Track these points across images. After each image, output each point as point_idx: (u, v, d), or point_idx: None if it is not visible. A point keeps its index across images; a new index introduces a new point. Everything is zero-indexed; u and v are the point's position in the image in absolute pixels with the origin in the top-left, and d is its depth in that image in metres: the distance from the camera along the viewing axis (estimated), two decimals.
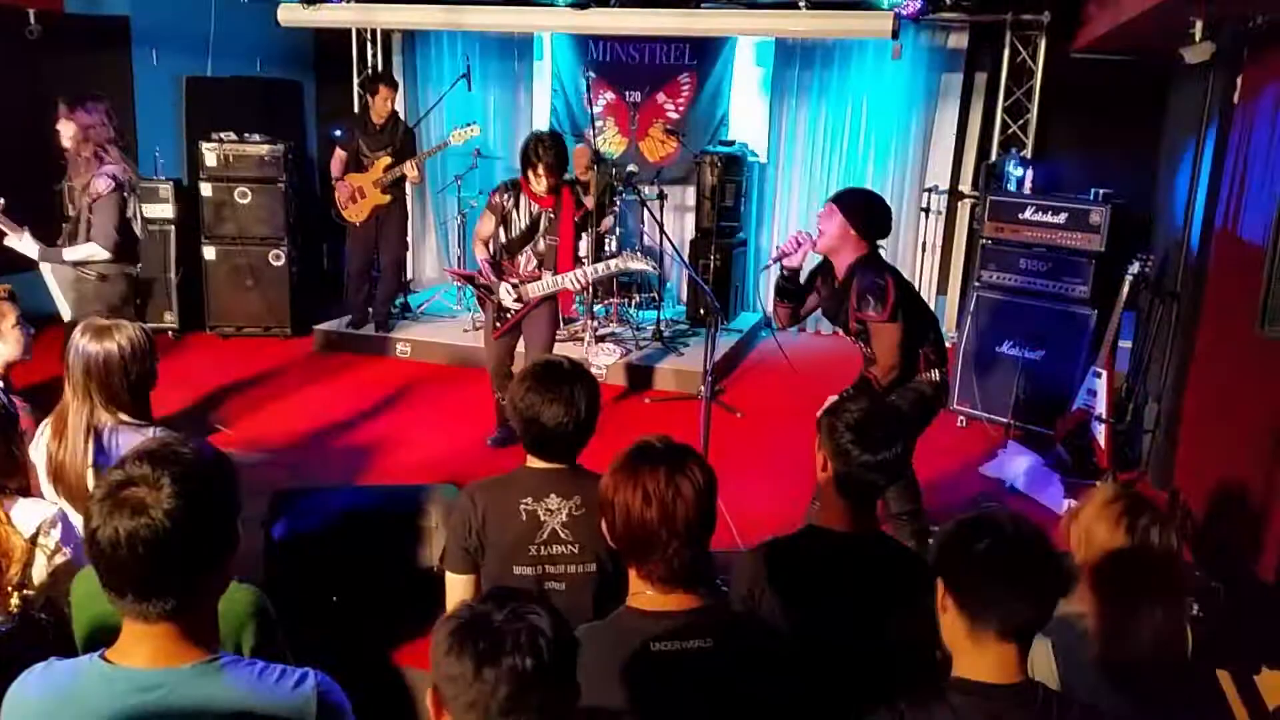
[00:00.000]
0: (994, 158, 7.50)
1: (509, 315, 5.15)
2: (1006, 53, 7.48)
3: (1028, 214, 5.99)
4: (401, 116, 7.54)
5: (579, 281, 5.10)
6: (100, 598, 1.58)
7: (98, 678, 1.54)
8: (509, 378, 5.26)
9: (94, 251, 4.70)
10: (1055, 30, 7.23)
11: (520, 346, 5.36)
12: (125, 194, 4.74)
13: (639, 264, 5.23)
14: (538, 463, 2.50)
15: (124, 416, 2.66)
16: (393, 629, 3.65)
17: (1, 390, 2.42)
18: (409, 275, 8.07)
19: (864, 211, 3.98)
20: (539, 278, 5.10)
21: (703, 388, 6.39)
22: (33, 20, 7.13)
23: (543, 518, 2.43)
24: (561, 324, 5.36)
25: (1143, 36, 5.48)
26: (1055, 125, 7.47)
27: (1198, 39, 4.62)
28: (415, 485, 4.34)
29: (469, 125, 6.89)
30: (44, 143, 7.15)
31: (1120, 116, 6.89)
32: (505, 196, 5.08)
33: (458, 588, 2.60)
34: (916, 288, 7.84)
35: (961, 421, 6.12)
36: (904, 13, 6.52)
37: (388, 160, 7.00)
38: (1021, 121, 7.53)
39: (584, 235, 5.15)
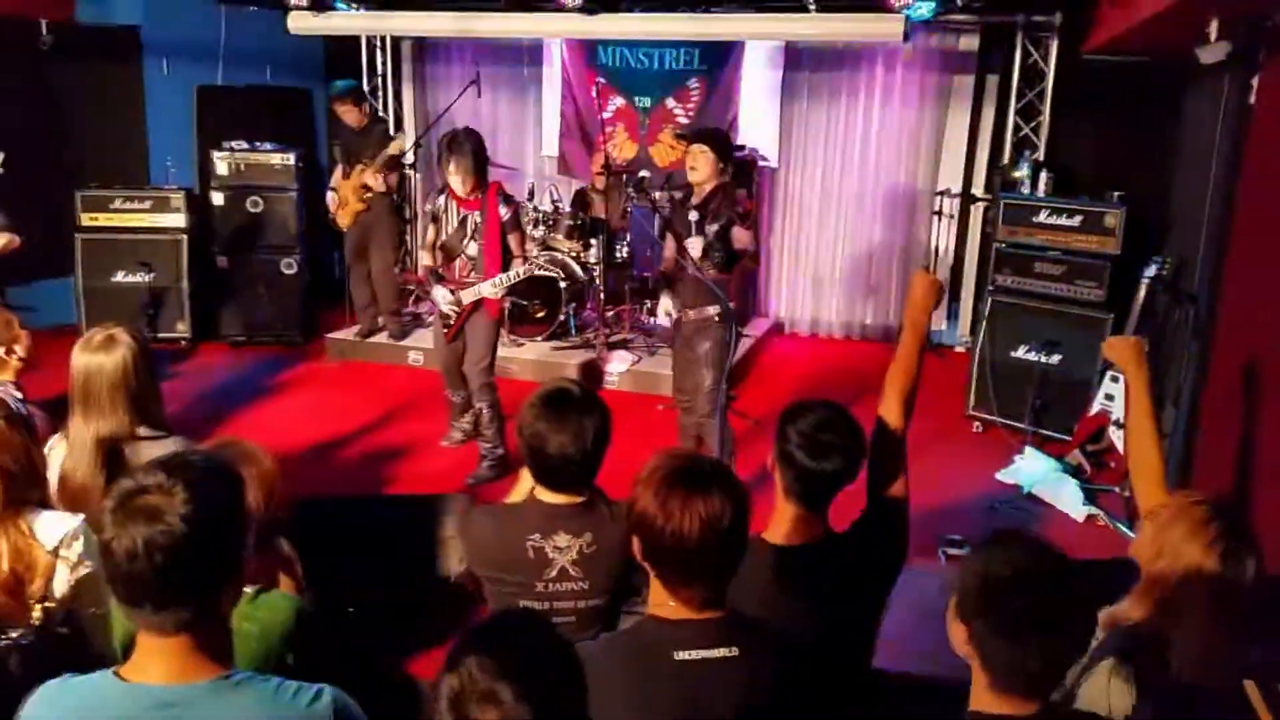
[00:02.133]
0: (1006, 160, 7.47)
1: (451, 322, 5.13)
2: (1018, 54, 7.45)
3: (1042, 217, 5.97)
4: (383, 121, 7.51)
5: (494, 287, 5.00)
6: None
7: (113, 695, 1.53)
8: (458, 376, 5.28)
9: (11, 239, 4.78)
10: (1067, 32, 7.19)
11: None
12: None
13: (544, 272, 5.20)
14: (547, 495, 2.41)
15: (141, 430, 2.66)
16: (409, 639, 3.65)
17: (20, 401, 2.41)
18: (409, 284, 8.04)
19: (726, 146, 4.88)
20: (472, 284, 5.05)
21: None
22: (45, 31, 7.16)
23: (550, 555, 2.35)
24: (499, 332, 5.37)
25: (1157, 37, 5.44)
26: (1068, 127, 7.43)
27: (1213, 39, 4.58)
28: (431, 495, 4.35)
29: (399, 134, 6.89)
30: (55, 151, 7.22)
31: (1134, 118, 6.85)
32: (437, 200, 5.07)
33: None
34: (939, 307, 7.87)
35: (978, 427, 6.09)
36: (915, 15, 6.49)
37: (365, 165, 7.00)
38: (1034, 124, 7.49)
39: (512, 238, 5.09)
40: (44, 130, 7.25)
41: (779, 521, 2.29)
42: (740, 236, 4.61)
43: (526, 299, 6.95)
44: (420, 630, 3.71)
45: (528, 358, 6.95)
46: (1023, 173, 6.98)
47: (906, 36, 6.47)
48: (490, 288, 4.98)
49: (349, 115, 7.04)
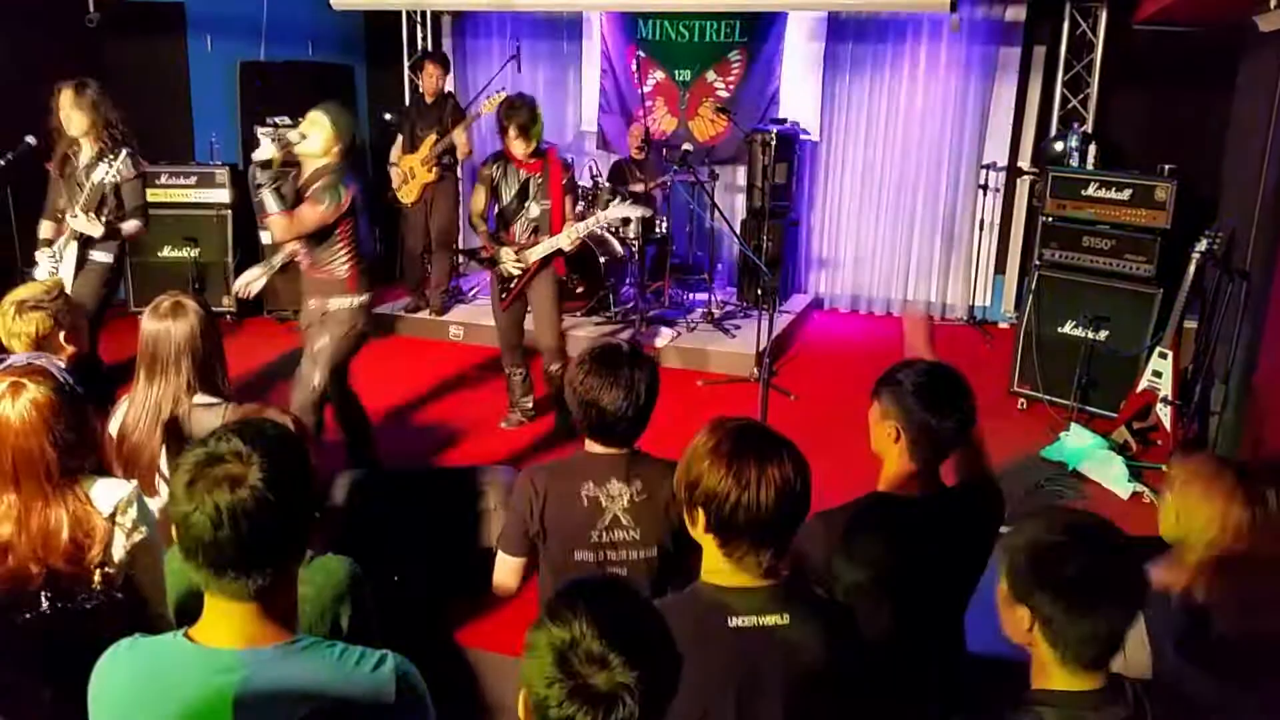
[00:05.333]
0: (1053, 133, 7.34)
1: (512, 285, 5.15)
2: (1066, 25, 7.31)
3: (1090, 190, 5.86)
4: (453, 95, 7.55)
5: (571, 238, 5.06)
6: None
7: (182, 657, 1.56)
8: (519, 350, 5.29)
9: (139, 228, 4.76)
10: (1117, 2, 7.04)
11: (529, 324, 5.35)
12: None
13: (628, 210, 5.17)
14: (597, 447, 2.49)
15: (199, 398, 2.71)
16: (453, 608, 3.69)
17: (65, 372, 2.45)
18: (459, 260, 8.09)
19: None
20: (537, 244, 5.09)
21: (755, 370, 6.44)
22: (92, 8, 7.24)
23: (604, 503, 2.43)
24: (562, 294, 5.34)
25: (1214, 5, 5.32)
26: (1117, 99, 7.29)
27: (1273, 4, 4.47)
28: (473, 466, 4.37)
29: (499, 92, 6.87)
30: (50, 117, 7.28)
31: (1186, 89, 6.70)
32: (494, 167, 5.11)
33: (507, 569, 2.62)
34: (975, 266, 7.81)
35: (1022, 403, 6.02)
36: None
37: (434, 137, 7.04)
38: (1082, 96, 7.35)
39: (568, 199, 5.12)
40: None
41: (889, 475, 2.34)
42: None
43: (568, 274, 6.96)
44: (462, 601, 3.76)
45: (569, 333, 6.96)
46: (1070, 145, 6.86)
47: (954, 6, 6.36)
48: (566, 239, 5.01)
49: (432, 81, 7.07)
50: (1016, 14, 7.57)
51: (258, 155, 3.99)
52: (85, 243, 4.66)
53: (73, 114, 4.65)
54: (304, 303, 4.33)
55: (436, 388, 6.28)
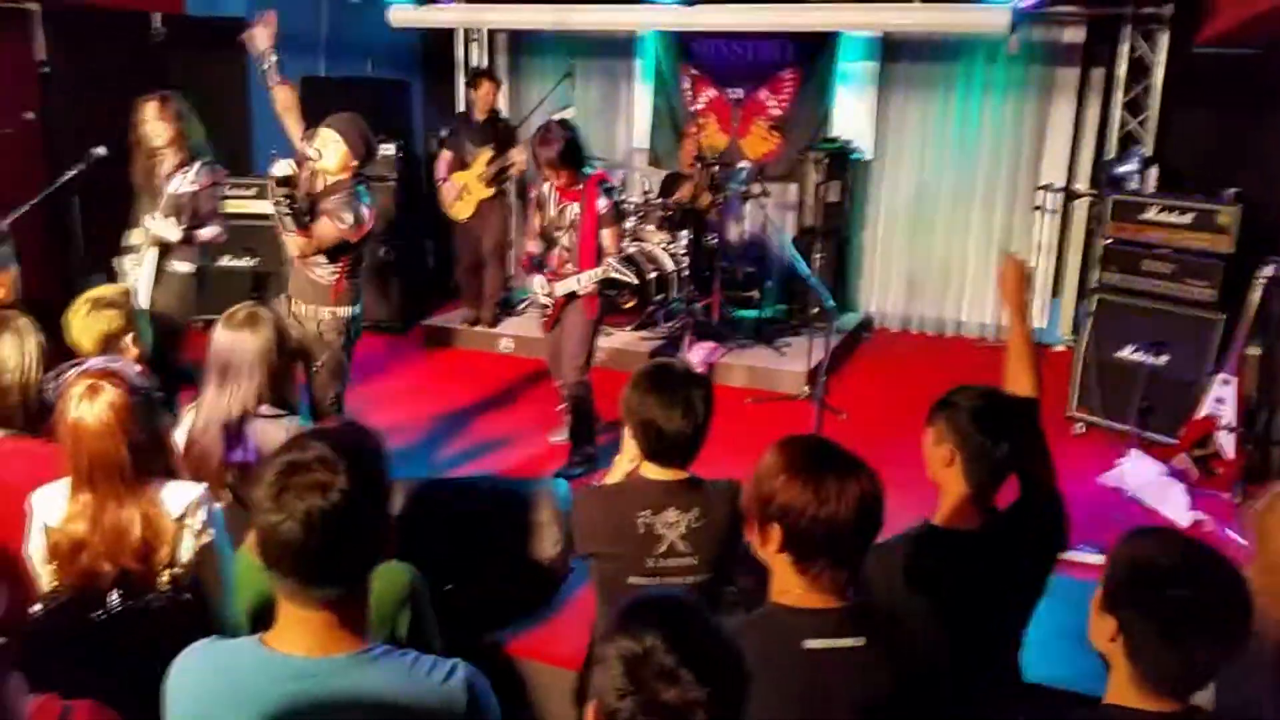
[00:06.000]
0: (1112, 155, 7.24)
1: (549, 311, 5.15)
2: (1125, 47, 7.21)
3: (1151, 214, 5.77)
4: (503, 113, 7.63)
5: (583, 283, 4.93)
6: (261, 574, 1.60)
7: (258, 662, 1.57)
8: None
9: (216, 234, 4.87)
10: (1178, 23, 6.94)
11: None
12: None
13: (617, 275, 5.02)
14: (654, 471, 2.46)
15: (265, 408, 2.75)
16: (505, 620, 3.70)
17: (140, 375, 2.49)
18: (510, 271, 8.16)
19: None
20: (565, 276, 5.03)
21: (806, 388, 6.41)
22: (157, 23, 7.43)
23: (660, 531, 2.39)
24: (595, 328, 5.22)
25: (1277, 27, 5.22)
26: (1178, 122, 7.17)
27: None
28: (525, 479, 4.39)
29: (565, 108, 6.92)
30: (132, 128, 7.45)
31: (1250, 112, 6.57)
32: (541, 186, 5.07)
33: None
34: (1030, 288, 7.69)
35: (1080, 428, 5.92)
36: (1021, 6, 6.33)
37: (489, 154, 7.10)
38: (1141, 118, 7.25)
39: (607, 233, 4.97)
40: None
41: (946, 504, 2.30)
42: None
43: (615, 289, 6.98)
44: (513, 611, 3.77)
45: (614, 346, 6.99)
46: (1130, 168, 6.76)
47: (1013, 28, 6.31)
48: (576, 284, 4.94)
49: (487, 98, 7.15)
50: (1075, 35, 7.49)
51: (275, 172, 4.04)
52: (165, 251, 4.78)
53: (157, 126, 4.78)
54: (292, 295, 4.31)
55: (486, 399, 6.32)
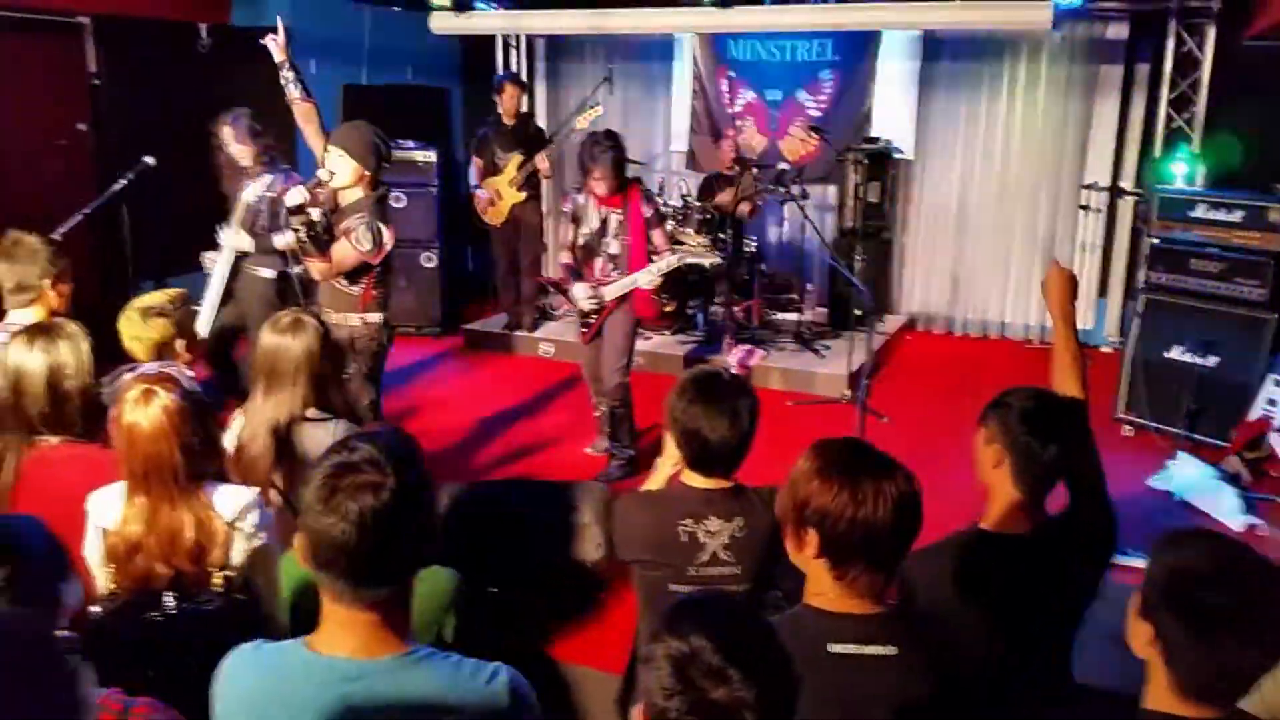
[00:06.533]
0: (1158, 153, 7.13)
1: (591, 320, 5.12)
2: (1171, 42, 7.09)
3: (1199, 211, 5.68)
4: (532, 116, 7.67)
5: (650, 277, 4.96)
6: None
7: (304, 665, 1.58)
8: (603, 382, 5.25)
9: (292, 240, 4.96)
10: (1226, 18, 6.82)
11: None
12: None
13: (703, 259, 5.02)
14: (697, 479, 2.44)
15: (311, 412, 2.78)
16: (547, 622, 3.71)
17: (193, 380, 2.54)
18: (548, 274, 8.20)
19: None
20: (614, 280, 5.03)
21: (847, 391, 6.37)
22: (204, 34, 7.55)
23: (702, 539, 2.38)
24: (638, 330, 5.28)
25: None
26: (1225, 118, 7.04)
27: None
28: (567, 481, 4.40)
29: (592, 107, 6.93)
30: (211, 147, 7.59)
31: None
32: (579, 198, 5.07)
33: None
34: (1077, 295, 7.59)
35: (1128, 430, 5.84)
36: (1062, 3, 6.25)
37: (519, 159, 7.14)
38: (1187, 115, 7.13)
39: (657, 233, 5.02)
40: (201, 127, 7.64)
41: (995, 507, 2.27)
42: None
43: (656, 292, 6.99)
44: (556, 614, 3.78)
45: (651, 349, 7.01)
46: (1177, 165, 6.65)
47: (1055, 24, 6.23)
48: (645, 277, 4.95)
49: (512, 102, 7.21)
50: (1119, 31, 7.39)
51: (289, 201, 4.08)
52: (243, 256, 5.00)
53: (237, 148, 5.05)
54: (322, 304, 4.31)
55: (527, 403, 6.36)
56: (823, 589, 1.81)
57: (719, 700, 1.28)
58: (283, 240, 4.90)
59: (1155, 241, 5.85)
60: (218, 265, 5.00)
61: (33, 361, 2.47)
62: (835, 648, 1.75)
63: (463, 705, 1.58)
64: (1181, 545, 1.59)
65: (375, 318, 4.22)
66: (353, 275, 4.14)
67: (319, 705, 1.54)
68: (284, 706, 1.57)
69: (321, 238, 4.03)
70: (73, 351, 2.50)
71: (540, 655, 3.58)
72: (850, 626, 1.77)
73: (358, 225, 4.04)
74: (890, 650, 1.76)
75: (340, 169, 4.08)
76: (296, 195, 4.07)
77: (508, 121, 7.27)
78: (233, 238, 4.87)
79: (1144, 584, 1.59)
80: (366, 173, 4.10)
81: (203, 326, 4.86)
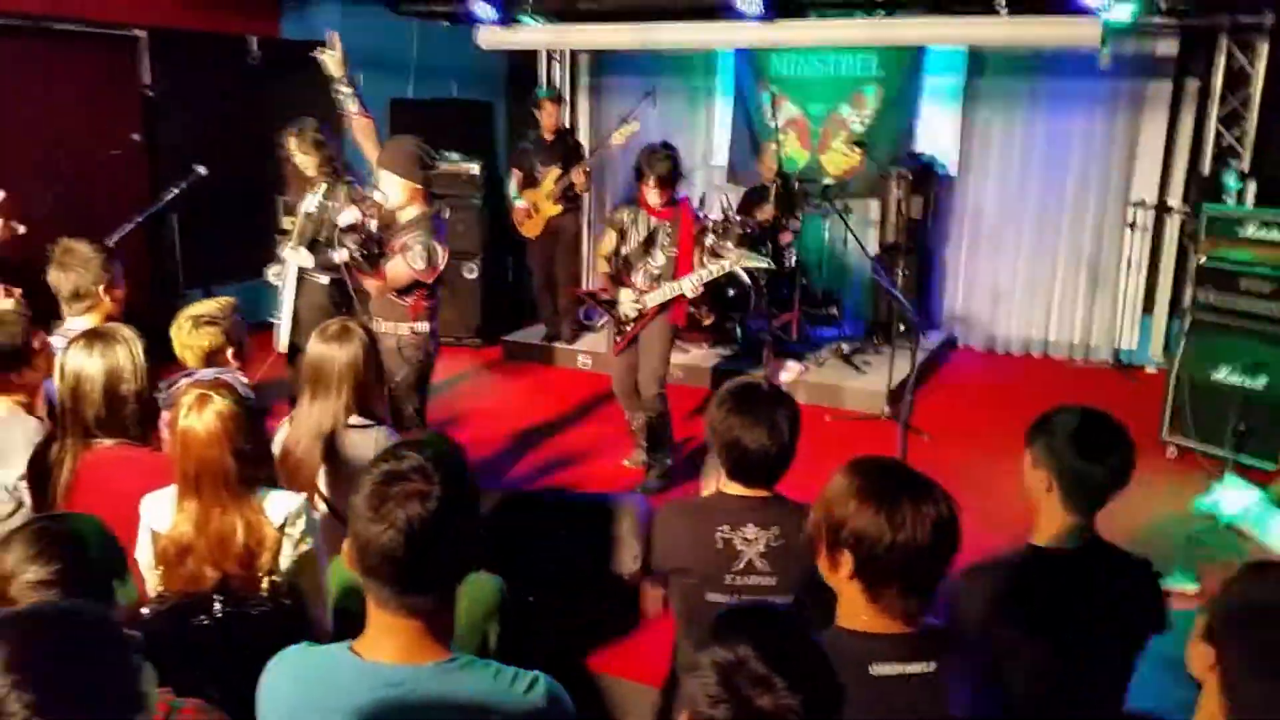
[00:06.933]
0: (1207, 170, 7.03)
1: (628, 328, 5.13)
2: (1222, 59, 6.99)
3: (1249, 230, 5.58)
4: (572, 130, 7.73)
5: (694, 284, 5.00)
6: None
7: (348, 669, 1.61)
8: (635, 395, 5.25)
9: (345, 257, 5.08)
10: (1279, 34, 6.73)
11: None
12: None
13: (752, 261, 5.06)
14: (735, 488, 2.46)
15: (354, 419, 2.83)
16: (585, 633, 3.72)
17: (246, 386, 2.59)
18: (586, 286, 8.24)
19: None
20: (657, 289, 5.05)
21: (887, 408, 6.33)
22: (254, 47, 7.71)
23: (739, 546, 2.39)
24: (676, 339, 5.31)
25: None
26: (1277, 136, 6.93)
27: None
28: (605, 493, 4.42)
29: (627, 122, 6.97)
30: (260, 158, 7.73)
31: None
32: (625, 212, 5.12)
33: (653, 599, 2.62)
34: (1121, 307, 7.53)
35: (1172, 452, 5.75)
36: (1112, 24, 6.17)
37: (557, 172, 7.21)
38: (1238, 132, 7.02)
39: (697, 249, 5.11)
40: (251, 139, 7.78)
41: (1045, 527, 2.25)
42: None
43: (695, 305, 7.00)
44: (594, 625, 3.79)
45: (689, 363, 7.02)
46: (1227, 183, 6.56)
47: (1104, 41, 6.18)
48: (689, 284, 4.99)
49: (551, 118, 7.29)
50: (1168, 48, 7.30)
51: (342, 221, 4.17)
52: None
53: (303, 158, 5.13)
54: (372, 313, 4.39)
55: (565, 415, 6.39)
56: (856, 610, 1.80)
57: (764, 708, 1.29)
58: (337, 256, 5.03)
59: (1203, 260, 5.77)
60: (285, 280, 5.11)
61: (91, 366, 2.53)
62: (878, 669, 1.74)
63: (502, 712, 1.60)
64: (1259, 577, 1.57)
65: (424, 328, 4.28)
66: (406, 287, 4.19)
67: (360, 709, 1.57)
68: (326, 709, 1.60)
69: (375, 255, 4.09)
70: (129, 356, 2.56)
71: (578, 666, 3.59)
72: (888, 647, 1.76)
73: (414, 244, 4.10)
74: (929, 667, 1.75)
75: (391, 190, 4.16)
76: (349, 216, 4.17)
77: (547, 137, 7.34)
78: (295, 255, 4.99)
79: (1215, 608, 1.58)
80: (416, 186, 4.15)
81: (281, 342, 4.97)
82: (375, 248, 4.18)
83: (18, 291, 3.23)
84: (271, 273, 5.15)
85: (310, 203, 4.94)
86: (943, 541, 1.73)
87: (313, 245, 5.00)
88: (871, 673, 1.74)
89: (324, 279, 5.14)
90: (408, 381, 4.30)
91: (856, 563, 1.76)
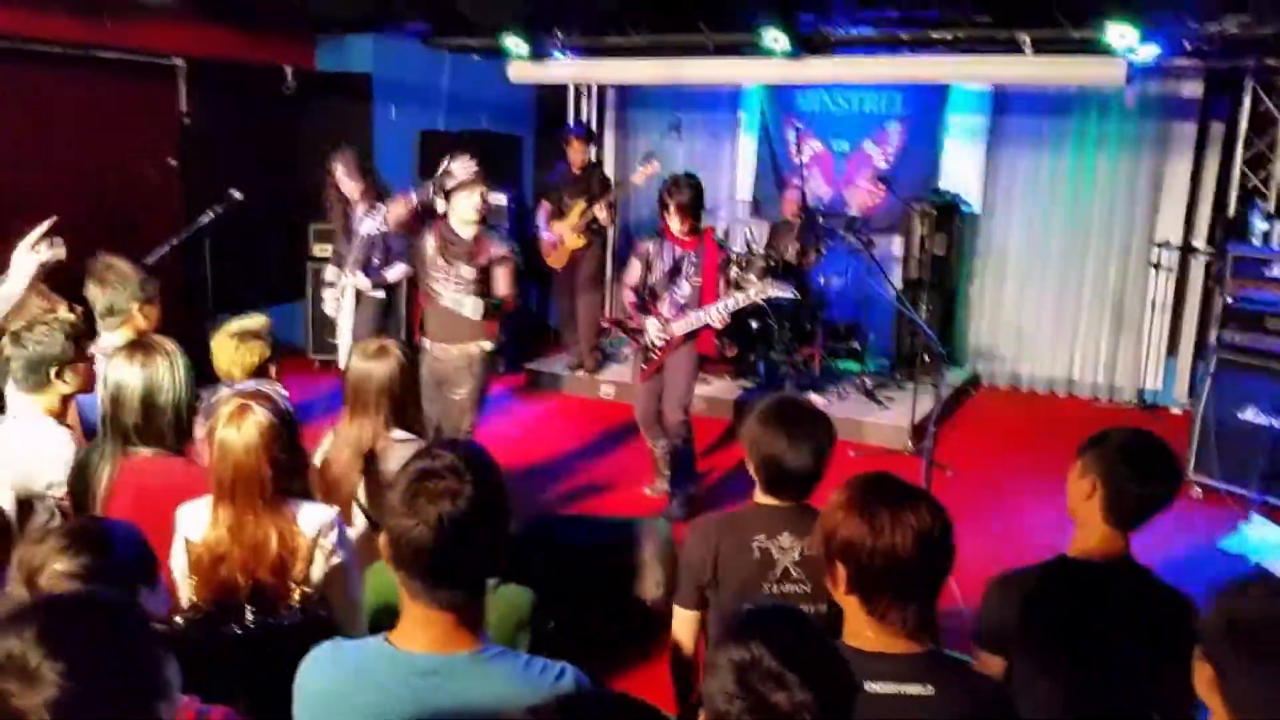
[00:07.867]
0: (1232, 212, 7.03)
1: (654, 356, 5.19)
2: (1248, 100, 7.02)
3: (1275, 271, 5.59)
4: (600, 165, 7.83)
5: (720, 313, 5.04)
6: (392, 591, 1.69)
7: (383, 659, 1.66)
8: (659, 423, 5.29)
9: (405, 271, 5.52)
10: None
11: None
12: None
13: (777, 290, 5.14)
14: (769, 499, 2.51)
15: (395, 433, 2.87)
16: (606, 657, 3.72)
17: (285, 398, 2.63)
18: (608, 315, 8.30)
19: None
20: (683, 317, 5.12)
21: (910, 443, 6.33)
22: (289, 77, 7.87)
23: (775, 556, 2.43)
24: (699, 368, 5.48)
25: None
26: None
27: None
28: (628, 519, 4.44)
29: (648, 163, 7.05)
30: (293, 186, 7.87)
31: None
32: (650, 242, 5.21)
33: (683, 623, 2.63)
34: (1145, 348, 7.51)
35: (1198, 492, 5.71)
36: (1137, 63, 6.22)
37: (583, 205, 7.30)
38: (1263, 174, 7.03)
39: (722, 278, 5.25)
40: (285, 167, 7.92)
41: (1082, 539, 2.28)
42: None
43: (718, 337, 7.03)
44: (616, 651, 3.79)
45: (712, 394, 7.04)
46: (1253, 225, 6.56)
47: (1129, 81, 6.22)
48: (715, 313, 5.04)
49: (579, 155, 7.43)
50: (1194, 90, 7.33)
51: (363, 230, 4.54)
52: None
53: (348, 183, 5.52)
54: (437, 340, 4.66)
55: (588, 444, 6.42)
56: (859, 627, 1.82)
57: (778, 704, 1.32)
58: (396, 273, 5.57)
59: (1229, 301, 5.77)
60: (343, 303, 5.43)
61: (131, 376, 2.59)
62: (873, 687, 1.74)
63: (531, 701, 1.63)
64: (1246, 591, 1.58)
65: (490, 345, 4.61)
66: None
67: (396, 696, 1.62)
68: (363, 696, 1.65)
69: (492, 301, 4.57)
70: (169, 369, 2.61)
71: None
72: (887, 666, 1.77)
73: (498, 245, 4.64)
74: (927, 690, 1.76)
75: (466, 208, 4.73)
76: (370, 225, 4.43)
77: (576, 171, 7.44)
78: (352, 280, 5.37)
79: (1207, 624, 1.59)
80: (480, 189, 4.71)
81: (343, 360, 5.10)
82: (478, 270, 4.58)
83: (80, 309, 3.33)
84: (329, 303, 5.47)
85: (367, 227, 5.12)
86: (929, 550, 1.75)
87: (366, 267, 5.36)
88: (868, 690, 1.74)
89: (378, 294, 5.54)
90: (472, 398, 4.57)
91: (849, 574, 1.80)
